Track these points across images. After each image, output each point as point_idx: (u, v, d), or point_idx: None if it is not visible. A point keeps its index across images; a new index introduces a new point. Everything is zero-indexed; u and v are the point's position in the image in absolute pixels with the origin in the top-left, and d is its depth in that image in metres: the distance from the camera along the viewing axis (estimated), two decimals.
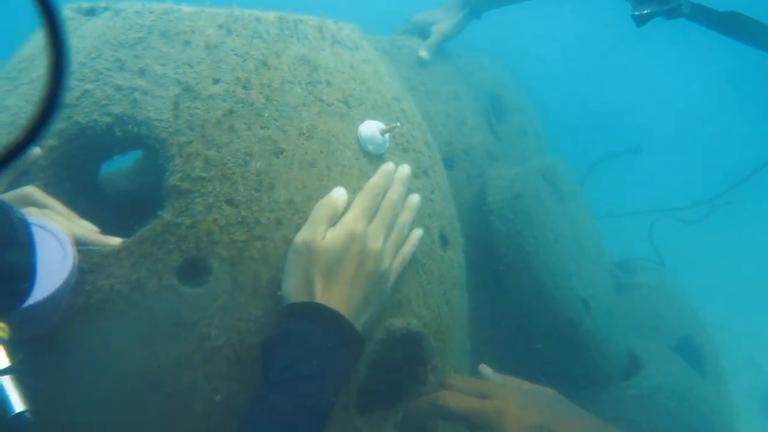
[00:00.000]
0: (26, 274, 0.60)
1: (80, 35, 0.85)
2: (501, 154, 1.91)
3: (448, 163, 1.60)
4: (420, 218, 0.99)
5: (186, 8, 0.88)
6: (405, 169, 0.95)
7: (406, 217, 0.92)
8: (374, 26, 1.62)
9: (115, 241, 0.80)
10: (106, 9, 0.87)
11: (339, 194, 0.87)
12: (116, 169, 1.25)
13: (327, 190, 0.88)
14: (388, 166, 0.94)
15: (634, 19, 1.15)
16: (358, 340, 0.80)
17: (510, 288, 1.50)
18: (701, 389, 1.85)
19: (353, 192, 0.90)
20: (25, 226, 0.60)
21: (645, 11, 1.10)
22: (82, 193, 0.86)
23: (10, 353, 0.57)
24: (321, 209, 0.84)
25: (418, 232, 0.94)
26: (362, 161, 0.93)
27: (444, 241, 1.06)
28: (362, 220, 0.86)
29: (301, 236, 0.82)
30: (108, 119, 0.79)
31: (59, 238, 0.73)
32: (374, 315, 0.85)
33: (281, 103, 0.88)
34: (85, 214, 0.82)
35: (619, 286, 2.24)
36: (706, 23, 1.15)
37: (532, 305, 1.50)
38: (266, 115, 0.86)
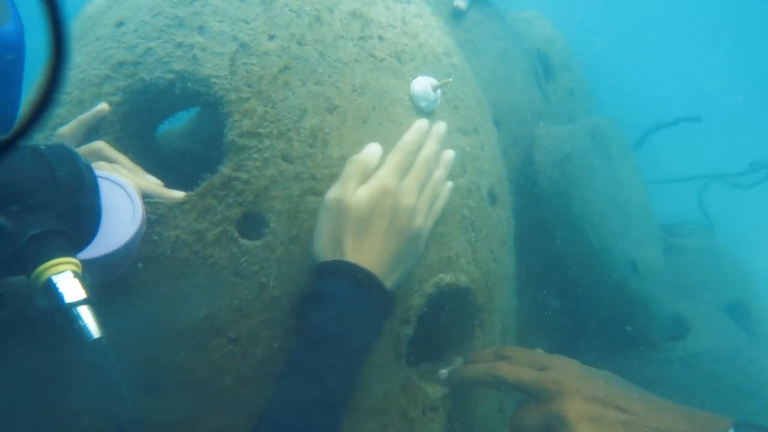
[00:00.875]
0: (93, 214, 0.65)
1: None
2: (548, 114, 1.86)
3: (497, 121, 1.58)
4: (470, 175, 0.99)
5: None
6: (440, 127, 0.93)
7: (440, 173, 0.90)
8: None
9: (180, 194, 0.83)
10: None
11: (372, 150, 0.86)
12: (169, 128, 1.29)
13: (381, 137, 0.88)
14: (421, 122, 0.92)
15: None
16: (388, 298, 0.80)
17: (557, 248, 1.48)
18: (750, 350, 1.81)
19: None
20: (90, 171, 0.65)
21: None
22: (146, 148, 0.90)
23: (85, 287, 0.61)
24: (352, 165, 0.84)
25: (449, 185, 0.92)
26: (414, 117, 0.93)
27: (493, 198, 1.06)
28: (395, 176, 0.84)
29: (332, 193, 0.82)
30: (171, 76, 0.82)
31: (128, 191, 0.77)
32: (407, 271, 0.85)
33: (334, 59, 0.89)
34: (149, 169, 0.86)
35: (668, 248, 2.19)
36: None
37: (578, 265, 1.49)
38: (320, 71, 0.87)
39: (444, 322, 0.97)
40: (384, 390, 0.87)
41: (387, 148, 0.89)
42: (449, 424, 0.93)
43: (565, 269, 1.49)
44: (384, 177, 0.83)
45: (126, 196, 0.78)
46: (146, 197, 0.81)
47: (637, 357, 1.55)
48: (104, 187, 0.77)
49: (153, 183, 0.84)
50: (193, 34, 0.82)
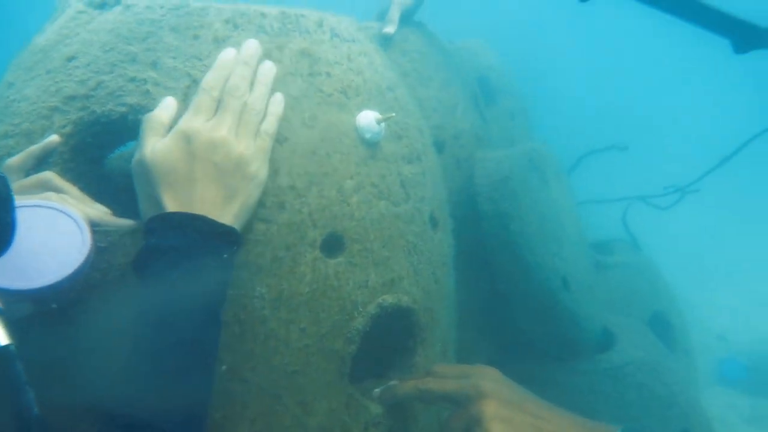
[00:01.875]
0: (5, 226, 0.62)
1: (92, 29, 0.89)
2: (489, 138, 1.97)
3: (439, 147, 1.66)
4: (413, 201, 1.06)
5: (195, 4, 0.92)
6: (248, 48, 0.88)
7: (259, 91, 0.87)
8: (367, 14, 1.66)
9: (128, 222, 0.86)
10: (117, 3, 0.91)
11: (164, 104, 0.83)
12: (122, 151, 1.30)
13: (327, 176, 0.94)
14: (225, 53, 0.87)
15: None
16: (226, 230, 0.78)
17: (495, 266, 1.58)
18: (669, 362, 1.97)
19: (351, 178, 0.96)
20: (4, 182, 0.62)
21: None
22: (96, 177, 0.91)
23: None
24: (145, 124, 0.81)
25: (278, 98, 0.89)
26: (360, 148, 0.99)
27: (434, 222, 1.13)
28: (195, 117, 0.82)
29: (133, 159, 0.81)
30: (123, 109, 0.84)
31: (76, 220, 0.79)
32: (251, 201, 0.83)
33: (284, 94, 0.94)
34: (100, 197, 0.88)
35: (598, 265, 2.35)
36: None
37: (514, 282, 1.59)
38: None
39: (388, 341, 1.03)
40: (327, 407, 0.92)
41: (335, 178, 0.95)
42: None
43: (502, 285, 1.59)
44: (183, 122, 0.81)
45: (74, 225, 0.79)
46: (95, 225, 0.83)
47: (568, 368, 1.66)
48: (52, 216, 0.79)
49: (101, 211, 0.85)
50: (146, 69, 0.86)
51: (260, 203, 0.89)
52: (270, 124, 0.88)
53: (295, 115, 0.94)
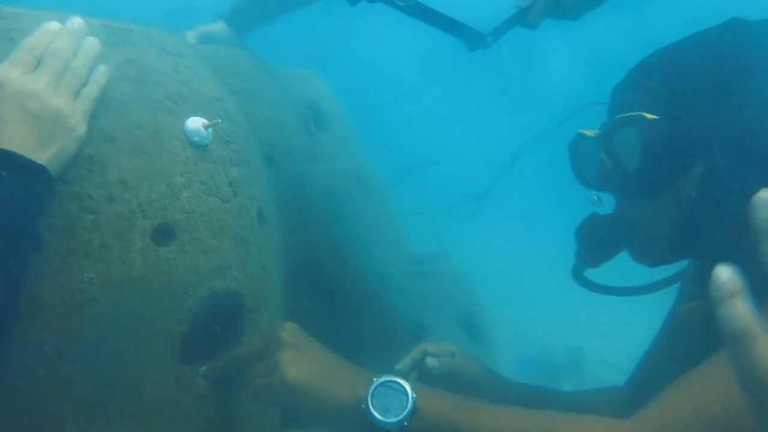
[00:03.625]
0: None
1: None
2: (320, 156, 2.19)
3: (270, 160, 1.82)
4: (240, 199, 1.20)
5: (8, 9, 0.97)
6: (74, 22, 0.94)
7: (80, 60, 0.92)
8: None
9: None
10: None
11: None
12: None
13: (157, 173, 1.04)
14: (49, 24, 0.91)
15: (349, 3, 1.39)
16: (32, 166, 0.82)
17: (323, 266, 1.77)
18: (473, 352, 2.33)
19: (181, 175, 1.07)
20: None
21: None
22: None
23: None
24: None
25: (101, 69, 0.95)
26: (189, 150, 1.10)
27: (261, 219, 1.28)
28: (13, 68, 0.86)
29: None
30: None
31: None
32: (68, 152, 0.89)
33: (110, 98, 1.02)
34: None
35: (416, 274, 2.69)
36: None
37: (340, 279, 1.80)
38: (96, 107, 0.99)
39: (218, 322, 1.14)
40: (158, 382, 0.99)
41: (165, 175, 1.05)
42: (220, 409, 1.09)
43: (330, 283, 1.79)
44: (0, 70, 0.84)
45: None
46: None
47: (384, 357, 1.90)
48: None
49: None
50: None
51: (88, 196, 0.96)
52: (91, 90, 0.92)
53: (122, 116, 1.03)
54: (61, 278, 0.91)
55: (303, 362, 0.97)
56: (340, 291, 1.77)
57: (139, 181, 1.02)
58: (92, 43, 0.97)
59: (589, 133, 1.19)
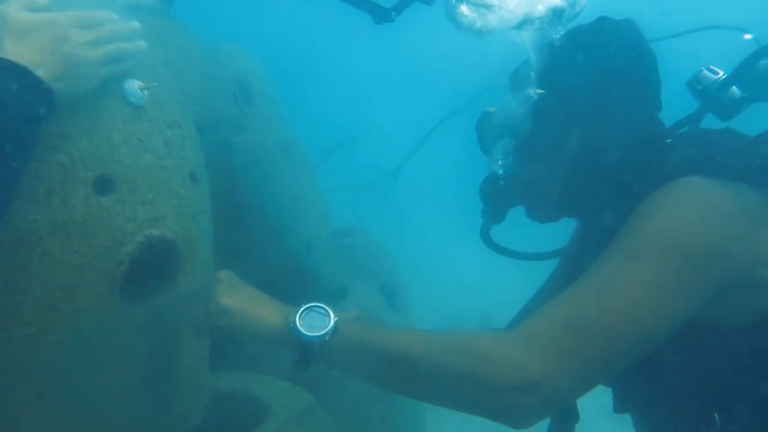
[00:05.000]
0: None
1: None
2: (247, 130, 2.30)
3: (201, 130, 1.92)
4: (175, 158, 1.32)
5: None
6: (134, 24, 1.17)
7: (126, 46, 1.15)
8: None
9: None
10: None
11: None
12: None
13: (96, 127, 1.14)
14: (113, 15, 1.13)
15: None
16: (41, 86, 0.97)
17: (250, 230, 1.91)
18: (387, 314, 2.56)
19: (119, 132, 1.18)
20: None
21: None
22: None
23: None
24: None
25: (139, 46, 1.17)
26: (126, 109, 1.21)
27: (193, 177, 1.40)
28: (67, 18, 1.05)
29: None
30: None
31: None
32: (73, 88, 1.06)
33: None
34: None
35: (340, 245, 2.87)
36: None
37: (266, 244, 1.95)
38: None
39: (154, 265, 1.26)
40: (100, 316, 1.11)
41: (102, 129, 1.15)
42: (157, 341, 1.22)
43: (256, 247, 1.93)
44: (59, 15, 1.04)
45: None
46: None
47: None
48: None
49: None
50: None
51: (32, 145, 1.05)
52: (117, 64, 1.15)
53: None
54: (8, 219, 1.00)
55: (237, 292, 1.13)
56: (265, 254, 1.91)
57: (79, 135, 1.12)
58: (142, 44, 1.19)
59: (491, 109, 1.43)
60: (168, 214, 1.27)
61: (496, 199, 1.41)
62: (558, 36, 1.39)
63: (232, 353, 1.60)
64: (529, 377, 0.97)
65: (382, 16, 1.54)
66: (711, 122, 1.38)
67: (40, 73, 0.99)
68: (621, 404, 1.33)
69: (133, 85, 1.22)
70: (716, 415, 1.16)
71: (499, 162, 1.44)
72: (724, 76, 1.33)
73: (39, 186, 1.05)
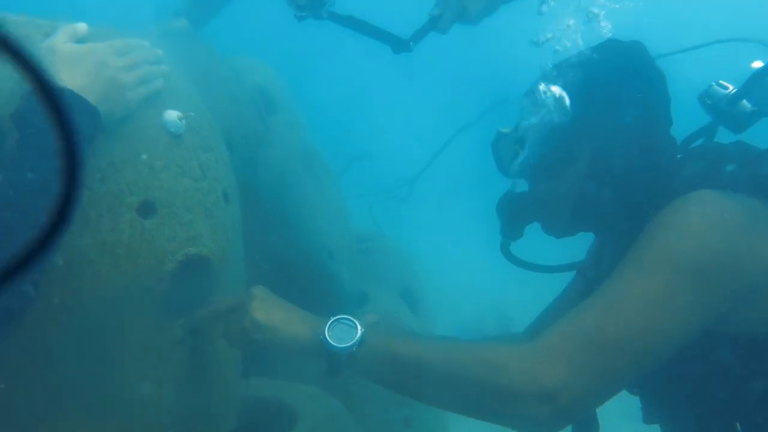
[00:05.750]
0: None
1: None
2: (271, 141, 2.39)
3: (231, 145, 2.02)
4: (209, 180, 1.41)
5: (12, 17, 1.13)
6: (157, 51, 1.31)
7: (154, 68, 1.29)
8: None
9: None
10: None
11: (79, 24, 1.20)
12: None
13: (140, 156, 1.24)
14: (141, 41, 1.29)
15: (296, 18, 1.67)
16: (88, 107, 1.10)
17: (276, 238, 2.00)
18: (408, 319, 2.64)
19: (160, 159, 1.28)
20: None
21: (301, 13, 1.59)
22: None
23: None
24: (61, 29, 1.17)
25: (161, 80, 1.30)
26: (165, 138, 1.31)
27: (226, 197, 1.50)
28: (107, 48, 1.20)
29: (43, 44, 1.14)
30: None
31: None
32: (117, 112, 1.19)
33: None
34: None
35: (361, 250, 2.95)
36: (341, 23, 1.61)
37: (290, 250, 2.04)
38: None
39: (192, 284, 1.36)
40: (143, 328, 1.22)
41: (149, 151, 1.25)
42: (193, 353, 1.32)
43: (282, 254, 2.02)
44: (97, 45, 1.19)
45: None
46: None
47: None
48: None
49: None
50: None
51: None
52: (153, 85, 1.28)
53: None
54: (63, 242, 1.10)
55: (270, 306, 1.22)
56: (290, 263, 2.01)
57: (124, 164, 1.22)
58: (165, 67, 1.33)
59: (505, 130, 1.49)
60: (204, 233, 1.36)
61: (513, 217, 1.46)
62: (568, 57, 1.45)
63: (263, 361, 1.70)
64: (547, 388, 1.02)
65: (400, 46, 1.61)
66: (725, 136, 1.42)
67: (89, 97, 1.11)
68: (648, 414, 1.38)
69: (172, 116, 1.32)
70: (738, 425, 1.20)
71: (515, 181, 1.50)
72: (734, 91, 1.36)
73: (91, 213, 1.15)
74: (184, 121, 1.34)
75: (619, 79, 1.36)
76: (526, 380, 1.04)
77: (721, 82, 1.40)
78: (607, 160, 1.33)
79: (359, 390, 1.86)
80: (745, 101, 1.34)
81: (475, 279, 5.19)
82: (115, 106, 1.19)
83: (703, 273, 1.09)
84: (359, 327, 1.17)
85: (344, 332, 1.17)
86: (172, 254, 1.27)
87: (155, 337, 1.24)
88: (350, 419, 1.63)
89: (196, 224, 1.34)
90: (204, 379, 1.38)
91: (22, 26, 1.15)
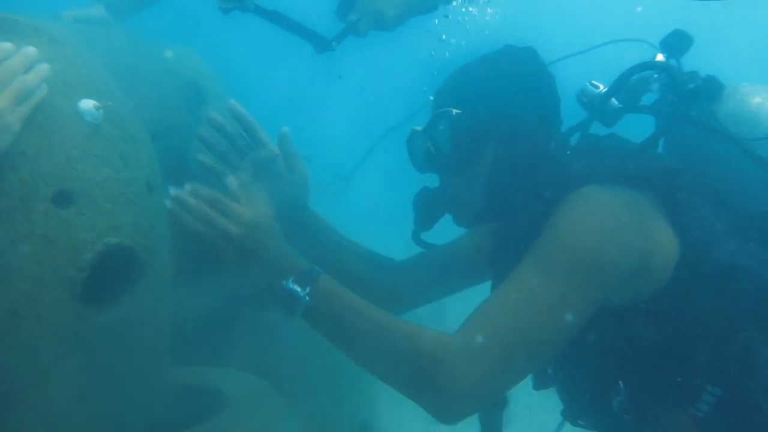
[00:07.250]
0: None
1: None
2: None
3: (154, 137, 2.00)
4: (130, 170, 1.41)
5: None
6: (28, 50, 1.15)
7: (29, 78, 1.13)
8: None
9: None
10: None
11: None
12: None
13: (54, 145, 1.23)
14: (4, 44, 1.11)
15: (221, 10, 1.71)
16: None
17: None
18: None
19: (76, 149, 1.27)
20: None
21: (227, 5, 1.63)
22: None
23: None
24: None
25: (43, 86, 1.16)
26: (83, 127, 1.30)
27: (150, 187, 1.50)
28: None
29: None
30: None
31: None
32: (3, 141, 1.08)
33: None
34: None
35: None
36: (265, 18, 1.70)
37: None
38: None
39: (115, 272, 1.36)
40: (61, 319, 1.21)
41: (61, 148, 1.24)
42: (116, 340, 1.33)
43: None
44: None
45: None
46: None
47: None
48: None
49: None
50: None
51: None
52: (33, 100, 1.15)
53: None
54: None
55: (263, 222, 1.32)
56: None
57: (38, 153, 1.21)
58: (43, 68, 1.17)
59: (418, 128, 1.59)
60: (126, 223, 1.36)
61: (426, 210, 1.58)
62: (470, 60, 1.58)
63: (191, 348, 1.71)
64: (461, 389, 1.15)
65: (323, 45, 1.67)
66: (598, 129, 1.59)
67: None
68: (539, 382, 1.53)
69: (89, 105, 1.31)
70: (621, 382, 1.37)
71: (428, 176, 1.62)
72: (604, 90, 1.52)
73: (1, 202, 1.14)
74: (101, 110, 1.34)
75: (513, 80, 1.51)
76: (443, 375, 1.15)
77: (593, 82, 1.58)
78: (508, 157, 1.48)
79: (289, 371, 1.91)
80: (613, 99, 1.51)
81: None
82: None
83: (595, 266, 1.23)
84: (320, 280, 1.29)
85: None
86: (91, 244, 1.27)
87: (75, 326, 1.24)
88: (280, 400, 1.68)
89: (118, 214, 1.34)
90: (127, 367, 1.39)
91: None
